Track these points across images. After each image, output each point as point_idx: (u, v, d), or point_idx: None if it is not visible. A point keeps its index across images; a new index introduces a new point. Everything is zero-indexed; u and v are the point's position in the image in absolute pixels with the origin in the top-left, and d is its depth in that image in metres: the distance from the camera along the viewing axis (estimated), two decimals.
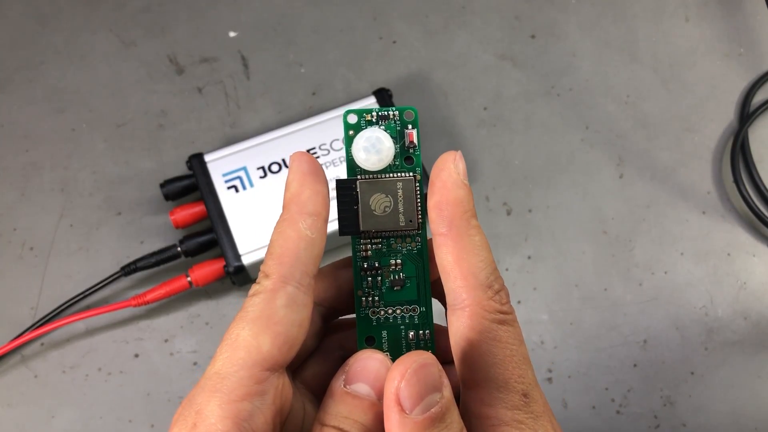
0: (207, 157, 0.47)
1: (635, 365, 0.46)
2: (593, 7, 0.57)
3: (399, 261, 0.25)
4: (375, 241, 0.25)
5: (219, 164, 0.47)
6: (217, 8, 0.56)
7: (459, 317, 0.23)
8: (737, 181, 0.50)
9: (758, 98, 0.54)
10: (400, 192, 0.25)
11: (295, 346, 0.23)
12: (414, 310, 0.25)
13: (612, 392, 0.45)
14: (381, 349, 0.25)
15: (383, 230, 0.25)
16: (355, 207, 0.25)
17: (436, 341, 0.25)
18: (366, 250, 0.25)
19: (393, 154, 0.25)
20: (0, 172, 0.50)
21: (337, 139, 0.48)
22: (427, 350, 0.25)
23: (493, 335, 0.22)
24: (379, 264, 0.25)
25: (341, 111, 0.49)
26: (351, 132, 0.25)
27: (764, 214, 0.49)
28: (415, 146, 0.25)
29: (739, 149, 0.51)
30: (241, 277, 0.45)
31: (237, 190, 0.46)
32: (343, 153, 0.47)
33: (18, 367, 0.45)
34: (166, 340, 0.46)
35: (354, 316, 0.25)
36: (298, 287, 0.22)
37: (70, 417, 0.44)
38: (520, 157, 0.52)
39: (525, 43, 0.55)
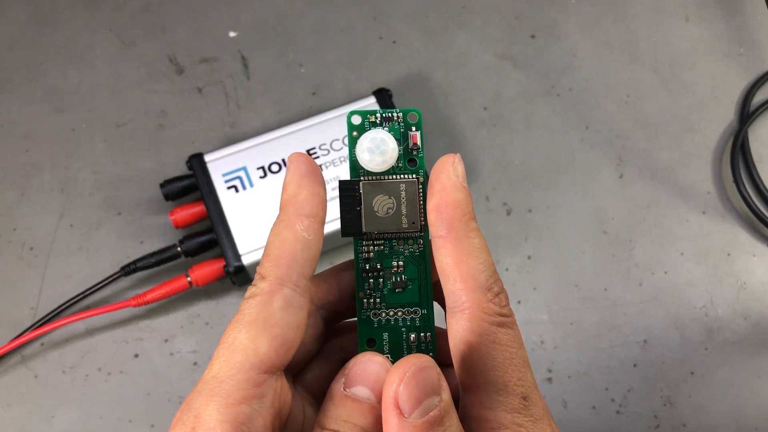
0: (207, 157, 0.47)
1: (635, 365, 0.46)
2: (593, 7, 0.57)
3: (401, 263, 0.25)
4: (377, 242, 0.25)
5: (219, 164, 0.47)
6: (217, 8, 0.56)
7: (458, 320, 0.23)
8: (737, 181, 0.50)
9: (758, 98, 0.54)
10: (403, 194, 0.25)
11: (293, 348, 0.22)
12: (415, 313, 0.25)
13: (612, 392, 0.46)
14: (382, 352, 0.25)
15: (386, 232, 0.25)
16: (358, 208, 0.24)
17: (436, 344, 0.25)
18: (368, 252, 0.25)
19: (397, 155, 0.25)
20: (0, 172, 0.50)
21: (337, 139, 0.48)
22: (428, 353, 0.25)
23: (493, 338, 0.22)
24: (381, 266, 0.25)
25: (341, 111, 0.49)
26: (355, 133, 0.25)
27: (764, 214, 0.49)
28: (419, 148, 0.25)
29: (739, 149, 0.51)
30: (241, 277, 0.45)
31: (237, 190, 0.46)
32: (343, 153, 0.47)
33: (18, 367, 0.45)
34: (166, 340, 0.46)
35: (356, 319, 0.25)
36: (294, 289, 0.22)
37: (70, 417, 0.44)
38: (520, 157, 0.52)
39: (525, 43, 0.55)
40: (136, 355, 0.46)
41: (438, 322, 0.25)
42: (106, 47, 0.54)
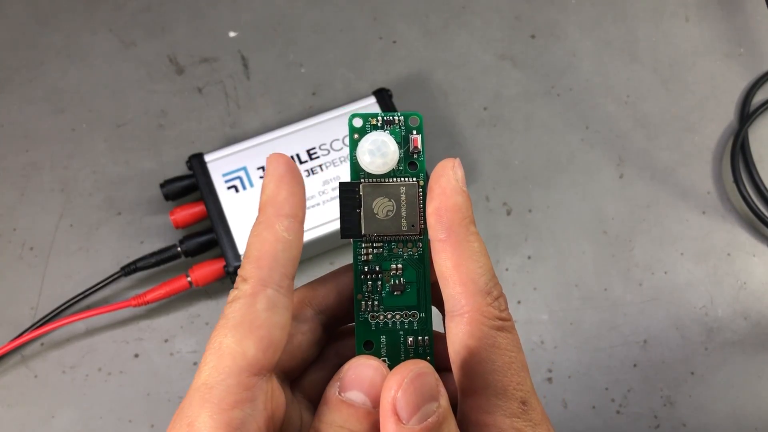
0: (207, 157, 0.47)
1: (635, 365, 0.46)
2: (593, 7, 0.57)
3: (400, 266, 0.25)
4: (376, 245, 0.25)
5: (219, 164, 0.47)
6: (217, 8, 0.56)
7: (458, 323, 0.22)
8: (737, 181, 0.50)
9: (758, 98, 0.54)
10: (403, 196, 0.25)
11: (279, 348, 0.22)
12: (413, 316, 0.25)
13: (612, 392, 0.46)
14: (379, 354, 0.25)
15: (385, 234, 0.25)
16: (358, 210, 0.24)
17: (433, 348, 0.25)
18: (367, 254, 0.25)
19: (397, 158, 0.25)
20: (0, 172, 0.50)
21: (337, 139, 0.48)
22: (426, 357, 0.25)
23: (492, 342, 0.22)
24: (379, 268, 0.25)
25: (341, 111, 0.49)
26: (356, 135, 0.25)
27: (764, 214, 0.49)
28: (419, 152, 0.25)
29: (739, 149, 0.51)
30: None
31: (237, 190, 0.46)
32: (343, 152, 0.47)
33: (18, 367, 0.45)
34: (166, 340, 0.46)
35: (354, 323, 0.25)
36: (277, 290, 0.22)
37: (70, 417, 0.44)
38: (520, 157, 0.52)
39: (525, 43, 0.55)
40: (136, 355, 0.46)
41: (435, 326, 0.25)
42: (106, 47, 0.54)
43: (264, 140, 0.48)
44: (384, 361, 0.25)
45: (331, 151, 0.47)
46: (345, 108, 0.49)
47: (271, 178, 0.23)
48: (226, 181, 0.46)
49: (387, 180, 0.25)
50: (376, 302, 0.25)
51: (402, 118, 0.25)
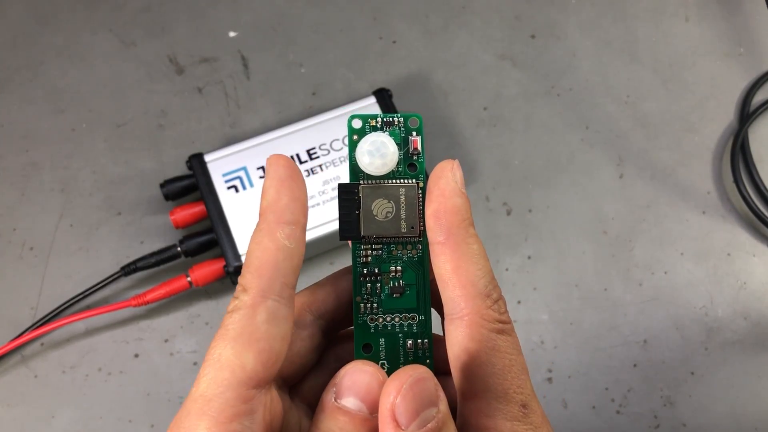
0: (207, 157, 0.47)
1: (635, 365, 0.46)
2: (593, 7, 0.57)
3: (399, 268, 0.25)
4: (375, 246, 0.25)
5: (219, 164, 0.47)
6: (217, 8, 0.56)
7: (457, 326, 0.22)
8: (737, 181, 0.50)
9: (758, 98, 0.54)
10: (402, 198, 0.24)
11: (280, 360, 0.22)
12: (413, 319, 0.25)
13: (612, 392, 0.46)
14: (378, 358, 0.24)
15: (384, 236, 0.24)
16: (357, 212, 0.24)
17: (433, 351, 0.25)
18: (366, 256, 0.25)
19: (397, 159, 0.25)
20: (0, 172, 0.50)
21: (337, 139, 0.48)
22: (425, 360, 0.24)
23: (492, 345, 0.22)
24: (378, 270, 0.25)
25: (341, 111, 0.49)
26: (355, 137, 0.25)
27: (764, 214, 0.49)
28: (419, 153, 0.25)
29: (739, 149, 0.51)
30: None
31: (237, 190, 0.46)
32: (343, 153, 0.47)
33: (18, 367, 0.45)
34: (166, 340, 0.46)
35: (353, 327, 0.25)
36: (278, 300, 0.22)
37: (70, 417, 0.44)
38: (520, 157, 0.52)
39: (525, 43, 0.55)
40: (136, 355, 0.46)
41: (434, 329, 0.25)
42: (106, 47, 0.54)
43: (264, 140, 0.48)
44: (383, 364, 0.24)
45: (331, 151, 0.47)
46: (345, 108, 0.49)
47: (272, 182, 0.23)
48: (226, 181, 0.46)
49: (386, 181, 0.25)
50: (375, 305, 0.25)
51: (402, 119, 0.25)
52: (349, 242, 0.25)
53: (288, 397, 0.24)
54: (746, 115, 0.53)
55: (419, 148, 0.25)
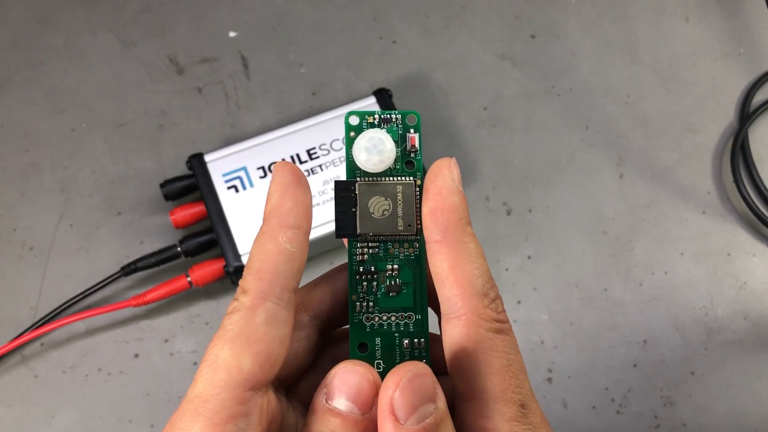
0: (207, 157, 0.47)
1: (635, 365, 0.46)
2: (593, 7, 0.57)
3: (396, 266, 0.24)
4: (372, 244, 0.24)
5: (219, 164, 0.47)
6: (217, 8, 0.56)
7: (454, 326, 0.22)
8: (737, 181, 0.50)
9: (758, 98, 0.54)
10: (399, 196, 0.24)
11: (278, 363, 0.22)
12: (409, 318, 0.24)
13: (612, 392, 0.45)
14: (374, 357, 0.24)
15: (381, 234, 0.24)
16: (354, 209, 0.24)
17: (429, 350, 0.25)
18: (362, 254, 0.24)
19: (394, 156, 0.24)
20: (0, 172, 0.50)
21: (337, 139, 0.48)
22: (422, 359, 0.24)
23: (490, 344, 0.22)
24: (375, 268, 0.24)
25: (341, 111, 0.49)
26: (352, 133, 0.25)
27: (764, 214, 0.49)
28: (417, 150, 0.25)
29: (739, 149, 0.51)
30: (241, 278, 0.45)
31: (237, 190, 0.46)
32: (343, 153, 0.47)
33: (18, 367, 0.45)
34: (166, 340, 0.46)
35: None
36: (277, 303, 0.22)
37: (70, 417, 0.44)
38: (520, 157, 0.52)
39: (525, 43, 0.55)
40: (136, 355, 0.46)
41: (431, 328, 0.25)
42: (106, 47, 0.54)
43: (264, 140, 0.48)
44: (379, 364, 0.24)
45: (331, 151, 0.47)
46: (345, 108, 0.49)
47: (277, 186, 0.23)
48: (226, 181, 0.46)
49: (383, 179, 0.24)
50: (371, 303, 0.24)
51: (399, 116, 0.25)
52: (345, 240, 0.25)
53: (285, 398, 0.24)
54: (746, 115, 0.53)
55: (417, 145, 0.25)
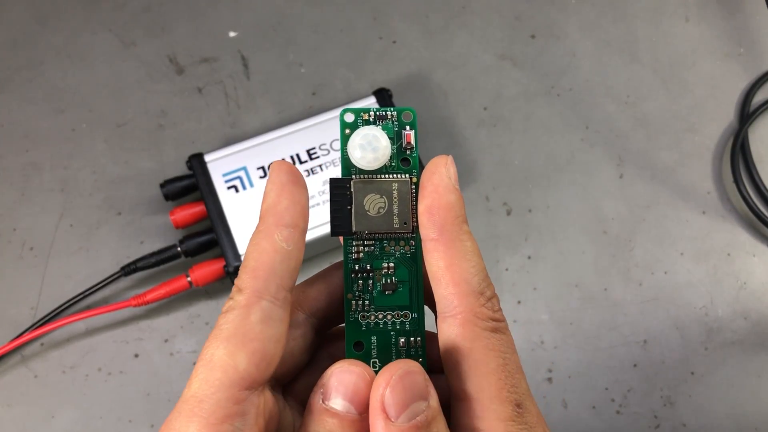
0: (207, 157, 0.47)
1: (635, 365, 0.46)
2: (593, 7, 0.57)
3: (392, 264, 0.24)
4: (367, 242, 0.24)
5: (219, 164, 0.47)
6: (217, 8, 0.56)
7: (450, 325, 0.22)
8: (737, 181, 0.50)
9: (758, 98, 0.54)
10: (395, 193, 0.24)
11: (273, 362, 0.22)
12: (405, 316, 0.24)
13: (612, 392, 0.45)
14: (369, 356, 0.24)
15: (376, 232, 0.24)
16: (349, 207, 0.24)
17: (426, 349, 0.24)
18: (358, 252, 0.24)
19: (389, 153, 0.24)
20: (0, 172, 0.50)
21: (337, 139, 0.48)
22: (418, 358, 0.24)
23: (486, 343, 0.22)
24: (371, 267, 0.24)
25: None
26: (347, 131, 0.25)
27: (764, 214, 0.49)
28: (413, 147, 0.25)
29: (739, 149, 0.51)
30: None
31: (237, 190, 0.46)
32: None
33: (18, 367, 0.45)
34: (166, 340, 0.46)
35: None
36: (273, 302, 0.22)
37: (70, 417, 0.44)
38: (520, 157, 0.52)
39: (525, 43, 0.55)
40: (136, 355, 0.46)
41: (427, 326, 0.25)
42: (106, 47, 0.54)
43: (264, 140, 0.48)
44: (374, 362, 0.24)
45: (331, 151, 0.47)
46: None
47: (273, 185, 0.23)
48: (226, 181, 0.46)
49: (379, 176, 0.24)
50: (367, 302, 0.24)
51: (395, 113, 0.25)
52: (341, 238, 0.25)
53: (281, 397, 0.24)
54: (746, 115, 0.53)
55: (413, 142, 0.25)
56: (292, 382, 0.25)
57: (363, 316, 0.24)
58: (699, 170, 0.52)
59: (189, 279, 0.45)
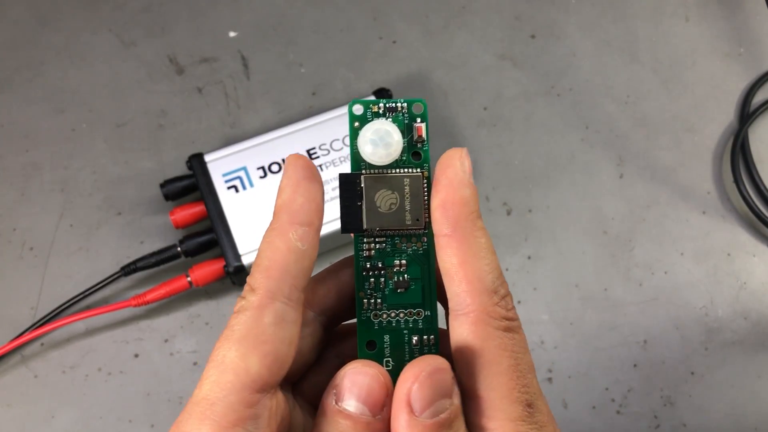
0: (207, 157, 0.47)
1: (635, 365, 0.46)
2: (593, 7, 0.57)
3: (404, 261, 0.24)
4: (379, 239, 0.24)
5: (219, 164, 0.47)
6: (217, 8, 0.56)
7: (462, 323, 0.22)
8: (737, 181, 0.50)
9: (758, 98, 0.54)
10: (407, 189, 0.23)
11: (286, 364, 0.21)
12: (418, 314, 0.24)
13: (612, 392, 0.45)
14: (382, 355, 0.24)
15: (388, 229, 0.23)
16: (359, 203, 0.23)
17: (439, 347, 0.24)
18: (369, 250, 0.24)
19: (401, 148, 0.23)
20: (0, 172, 0.50)
21: (338, 139, 0.48)
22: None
23: (498, 343, 0.21)
24: (382, 264, 0.24)
25: (341, 111, 0.49)
26: (356, 124, 0.24)
27: (764, 214, 0.49)
28: (424, 141, 0.24)
29: (739, 149, 0.51)
30: (241, 277, 0.45)
31: (237, 190, 0.46)
32: (342, 153, 0.47)
33: (18, 367, 0.45)
34: (166, 340, 0.46)
35: (354, 320, 0.24)
36: (286, 303, 0.21)
37: (70, 417, 0.44)
38: (520, 157, 0.52)
39: (525, 43, 0.55)
40: (136, 355, 0.45)
41: (440, 324, 0.25)
42: (106, 47, 0.54)
43: (264, 140, 0.48)
44: (388, 361, 0.24)
45: (331, 151, 0.47)
46: (345, 108, 0.49)
47: (289, 181, 0.22)
48: (226, 181, 0.46)
49: (390, 171, 0.23)
50: (378, 300, 0.24)
51: (405, 104, 0.24)
52: (351, 235, 0.24)
53: (291, 397, 0.24)
54: (746, 115, 0.53)
55: (424, 135, 0.24)
56: (301, 380, 0.25)
57: (375, 315, 0.24)
58: (699, 170, 0.52)
59: (189, 279, 0.45)
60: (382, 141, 0.23)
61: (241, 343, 0.21)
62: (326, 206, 0.23)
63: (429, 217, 0.23)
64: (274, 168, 0.47)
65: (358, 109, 0.24)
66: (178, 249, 0.46)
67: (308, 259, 0.22)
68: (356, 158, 0.24)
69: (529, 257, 0.49)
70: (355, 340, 0.24)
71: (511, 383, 0.21)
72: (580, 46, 0.56)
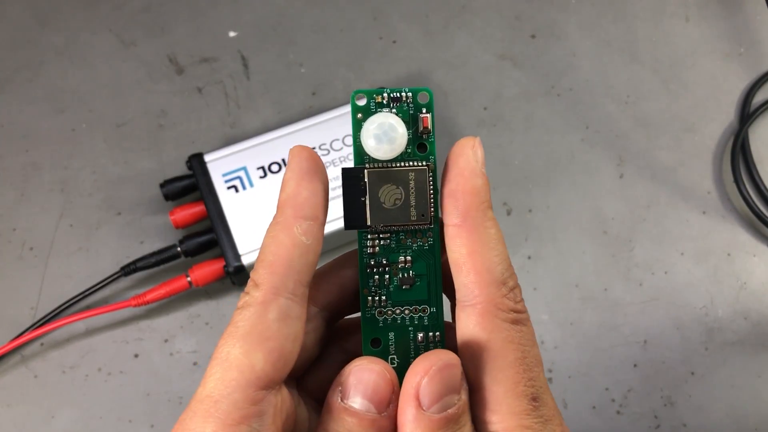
0: (207, 157, 0.47)
1: (635, 365, 0.46)
2: (593, 7, 0.57)
3: (409, 258, 0.23)
4: (383, 236, 0.23)
5: (219, 164, 0.47)
6: (217, 8, 0.56)
7: (469, 314, 0.21)
8: (737, 181, 0.50)
9: (758, 98, 0.54)
10: (412, 183, 0.23)
11: (291, 361, 0.21)
12: (424, 311, 0.23)
13: (612, 392, 0.45)
14: (387, 352, 0.23)
15: (393, 225, 0.23)
16: (363, 199, 0.23)
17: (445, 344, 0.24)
18: (373, 246, 0.23)
19: (406, 141, 0.23)
20: (0, 172, 0.50)
21: (338, 139, 0.48)
22: None
23: (506, 335, 0.21)
24: (387, 261, 0.23)
25: (341, 111, 0.49)
26: (359, 115, 0.23)
27: (764, 214, 0.49)
28: (430, 132, 0.23)
29: (739, 149, 0.51)
30: (241, 277, 0.45)
31: (237, 190, 0.46)
32: (343, 153, 0.47)
33: (18, 367, 0.45)
34: (166, 340, 0.46)
35: (358, 315, 0.24)
36: (291, 298, 0.21)
37: (70, 417, 0.44)
38: (520, 157, 0.52)
39: (525, 43, 0.55)
40: (136, 355, 0.45)
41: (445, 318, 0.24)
42: (106, 47, 0.54)
43: (264, 140, 0.48)
44: (393, 359, 0.23)
45: (331, 151, 0.47)
46: (345, 108, 0.49)
47: (293, 173, 0.22)
48: (226, 181, 0.46)
49: (394, 165, 0.23)
50: (383, 297, 0.23)
51: (410, 94, 0.23)
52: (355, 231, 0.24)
53: (296, 393, 0.23)
54: (746, 115, 0.53)
55: (430, 126, 0.23)
56: (304, 376, 0.25)
57: (380, 312, 0.23)
58: (699, 170, 0.52)
59: (189, 279, 0.45)
60: (386, 136, 0.22)
61: (245, 340, 0.20)
62: (330, 203, 0.23)
63: (435, 212, 0.23)
64: (274, 168, 0.47)
65: (360, 100, 0.23)
66: (178, 249, 0.46)
67: (313, 253, 0.22)
68: (359, 152, 0.23)
69: (529, 257, 0.49)
70: (359, 335, 0.24)
71: (516, 376, 0.21)
72: (580, 46, 0.56)
